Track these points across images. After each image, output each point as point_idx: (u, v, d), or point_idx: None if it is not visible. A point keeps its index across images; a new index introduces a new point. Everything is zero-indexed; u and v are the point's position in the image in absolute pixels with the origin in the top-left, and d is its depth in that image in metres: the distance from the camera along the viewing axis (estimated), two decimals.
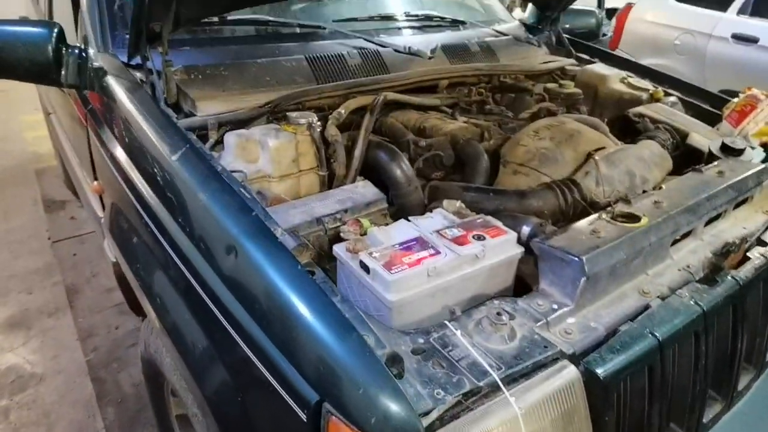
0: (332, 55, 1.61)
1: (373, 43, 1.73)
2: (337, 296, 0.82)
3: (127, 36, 1.38)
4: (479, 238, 0.95)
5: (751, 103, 1.60)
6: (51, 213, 3.33)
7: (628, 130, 1.65)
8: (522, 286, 1.03)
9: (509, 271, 1.00)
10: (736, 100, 1.64)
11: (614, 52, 3.16)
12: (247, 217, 0.94)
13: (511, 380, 0.76)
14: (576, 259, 0.90)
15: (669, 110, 1.70)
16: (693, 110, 1.79)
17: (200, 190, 1.01)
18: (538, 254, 0.97)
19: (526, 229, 1.07)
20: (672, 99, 1.82)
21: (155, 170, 1.13)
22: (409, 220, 1.03)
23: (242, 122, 1.33)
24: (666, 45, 4.17)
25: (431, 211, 1.09)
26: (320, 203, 1.14)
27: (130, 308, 1.65)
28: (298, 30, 1.69)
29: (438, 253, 0.91)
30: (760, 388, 1.17)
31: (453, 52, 1.85)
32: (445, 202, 1.11)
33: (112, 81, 1.37)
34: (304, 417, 0.74)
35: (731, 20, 3.82)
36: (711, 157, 1.45)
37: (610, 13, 4.81)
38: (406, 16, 1.97)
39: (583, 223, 1.04)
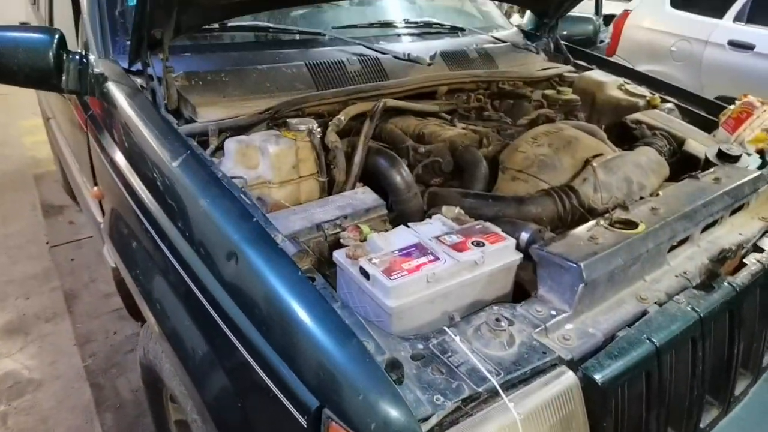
0: (332, 62, 1.62)
1: (372, 49, 1.74)
2: (337, 302, 0.83)
3: (128, 42, 1.39)
4: (478, 244, 0.95)
5: (747, 110, 1.61)
6: (49, 218, 3.33)
7: (625, 136, 1.66)
8: (521, 292, 1.03)
9: (508, 278, 1.01)
10: (732, 107, 1.66)
11: (612, 59, 3.19)
12: (247, 223, 0.94)
13: (509, 386, 0.76)
14: (574, 265, 0.91)
15: (666, 117, 1.72)
16: (690, 117, 1.81)
17: (201, 196, 1.01)
18: (536, 260, 0.98)
19: (524, 236, 1.08)
20: (669, 106, 1.83)
21: (156, 176, 1.14)
22: (408, 227, 1.03)
23: (242, 128, 1.34)
24: (663, 51, 4.20)
25: (430, 218, 1.09)
26: (320, 209, 1.14)
27: (129, 313, 1.65)
28: (298, 37, 1.71)
29: (437, 259, 0.91)
30: (756, 394, 1.18)
31: (452, 58, 1.86)
32: (444, 209, 1.11)
33: (112, 87, 1.38)
34: (304, 423, 0.75)
35: (727, 27, 3.85)
36: (707, 164, 1.46)
37: (608, 19, 4.84)
38: (406, 23, 1.99)
39: (581, 230, 1.04)
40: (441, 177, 1.41)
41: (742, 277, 1.08)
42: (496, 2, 2.44)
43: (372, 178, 1.32)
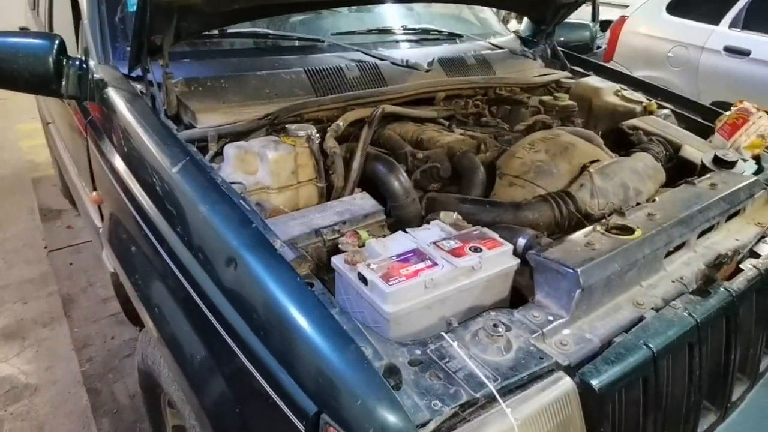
0: (331, 68, 1.63)
1: (371, 56, 1.75)
2: (335, 308, 0.83)
3: (128, 48, 1.40)
4: (476, 249, 0.96)
5: (743, 116, 1.62)
6: (47, 222, 3.33)
7: (622, 142, 1.67)
8: (518, 297, 1.04)
9: (505, 283, 1.01)
10: (728, 113, 1.67)
11: (608, 65, 3.21)
12: (246, 229, 0.95)
13: (507, 391, 0.76)
14: (571, 271, 0.91)
15: (662, 123, 1.73)
16: (686, 123, 1.82)
17: (200, 201, 1.02)
18: (533, 266, 0.98)
19: (521, 241, 1.09)
20: (665, 112, 1.84)
21: (155, 181, 1.14)
22: (406, 232, 1.04)
23: (242, 134, 1.35)
24: (659, 57, 4.22)
25: (428, 223, 1.10)
26: (319, 215, 1.15)
27: (127, 318, 1.65)
28: (297, 43, 1.72)
29: (435, 264, 0.92)
30: (754, 399, 1.18)
31: (450, 65, 1.87)
32: (442, 214, 1.12)
33: (112, 92, 1.38)
34: (302, 428, 0.75)
35: (723, 33, 3.88)
36: (704, 170, 1.47)
37: (605, 25, 4.87)
38: (404, 29, 2.00)
39: (578, 236, 1.05)
40: (439, 182, 1.42)
41: (739, 283, 1.09)
42: (494, 9, 2.45)
43: (370, 183, 1.33)
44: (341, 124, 1.42)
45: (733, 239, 1.23)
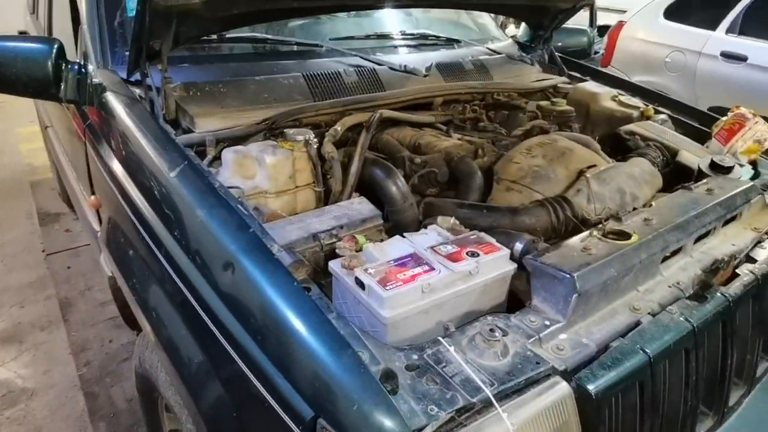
0: (329, 73, 1.64)
1: (369, 61, 1.76)
2: (332, 312, 0.83)
3: (127, 52, 1.40)
4: (473, 254, 0.96)
5: (740, 122, 1.63)
6: (45, 225, 3.33)
7: (619, 147, 1.68)
8: (515, 302, 1.04)
9: (502, 288, 1.02)
10: (724, 118, 1.68)
11: (606, 70, 3.21)
12: (244, 233, 0.95)
13: (503, 396, 0.77)
14: (568, 275, 0.92)
15: (659, 128, 1.74)
16: (683, 128, 1.83)
17: (198, 206, 1.02)
18: (530, 271, 0.99)
19: (518, 246, 1.09)
20: (662, 117, 1.85)
21: (153, 185, 1.15)
22: (404, 237, 1.04)
23: (240, 139, 1.35)
24: (657, 62, 4.24)
25: (426, 228, 1.10)
26: (316, 219, 1.15)
27: (125, 322, 1.65)
28: (295, 48, 1.72)
29: (432, 269, 0.92)
30: (751, 404, 1.19)
31: (448, 70, 1.88)
32: (440, 219, 1.12)
33: (111, 97, 1.38)
34: None
35: (720, 39, 3.90)
36: (700, 175, 1.48)
37: (602, 30, 4.89)
38: (402, 34, 2.01)
39: (574, 240, 1.05)
40: (436, 187, 1.42)
41: (735, 288, 1.09)
42: (492, 14, 2.46)
43: (368, 188, 1.33)
44: (339, 128, 1.42)
45: (730, 244, 1.23)
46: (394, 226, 1.26)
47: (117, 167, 1.33)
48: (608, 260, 0.98)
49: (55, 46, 1.39)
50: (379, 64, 1.75)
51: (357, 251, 1.00)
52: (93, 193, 1.63)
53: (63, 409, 2.02)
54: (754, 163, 1.59)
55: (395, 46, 1.95)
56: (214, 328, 0.93)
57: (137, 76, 1.39)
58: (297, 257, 0.93)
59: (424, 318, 0.90)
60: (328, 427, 0.71)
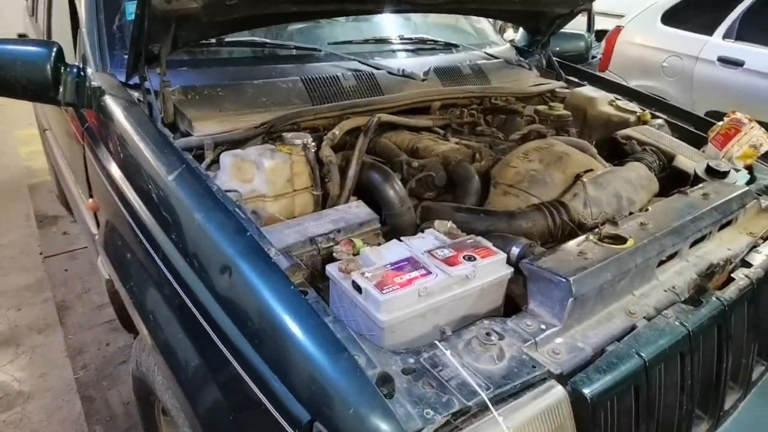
0: (327, 77, 1.64)
1: (367, 65, 1.77)
2: (329, 316, 0.83)
3: (126, 56, 1.41)
4: (470, 258, 0.97)
5: (736, 127, 1.64)
6: (43, 228, 3.32)
7: (615, 151, 1.69)
8: (511, 305, 1.04)
9: (499, 292, 1.02)
10: (721, 123, 1.69)
11: (604, 74, 3.24)
12: (241, 237, 0.95)
13: (499, 400, 0.77)
14: (564, 280, 0.92)
15: (656, 132, 1.75)
16: (679, 133, 1.84)
17: (196, 209, 1.02)
18: (527, 275, 0.99)
19: (515, 250, 1.09)
20: (659, 121, 1.86)
21: (151, 189, 1.15)
22: (401, 240, 1.05)
23: (238, 142, 1.35)
24: (654, 67, 4.26)
25: (423, 231, 1.11)
26: (314, 223, 1.15)
27: (122, 325, 1.64)
28: (294, 52, 1.73)
29: (429, 273, 0.92)
30: (746, 408, 1.19)
31: (446, 74, 1.89)
32: (437, 223, 1.13)
33: (109, 100, 1.39)
34: None
35: (717, 44, 3.92)
36: (696, 180, 1.48)
37: (600, 35, 4.91)
38: (400, 39, 2.02)
39: (571, 245, 1.06)
40: (434, 191, 1.43)
41: (730, 292, 1.09)
42: (490, 19, 2.48)
43: (366, 192, 1.34)
44: (337, 132, 1.43)
45: (725, 249, 1.24)
46: (391, 229, 1.26)
47: (115, 170, 1.33)
48: (604, 264, 0.98)
49: (54, 49, 1.39)
50: (378, 69, 1.76)
51: (354, 255, 1.00)
52: (91, 196, 1.63)
53: (59, 413, 2.01)
54: (749, 168, 1.60)
55: (393, 51, 1.96)
56: (211, 332, 0.93)
57: (136, 79, 1.39)
58: (294, 261, 0.94)
59: (420, 322, 0.90)
60: (324, 430, 0.71)
